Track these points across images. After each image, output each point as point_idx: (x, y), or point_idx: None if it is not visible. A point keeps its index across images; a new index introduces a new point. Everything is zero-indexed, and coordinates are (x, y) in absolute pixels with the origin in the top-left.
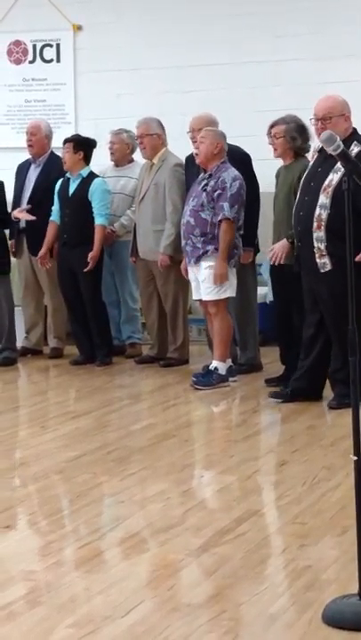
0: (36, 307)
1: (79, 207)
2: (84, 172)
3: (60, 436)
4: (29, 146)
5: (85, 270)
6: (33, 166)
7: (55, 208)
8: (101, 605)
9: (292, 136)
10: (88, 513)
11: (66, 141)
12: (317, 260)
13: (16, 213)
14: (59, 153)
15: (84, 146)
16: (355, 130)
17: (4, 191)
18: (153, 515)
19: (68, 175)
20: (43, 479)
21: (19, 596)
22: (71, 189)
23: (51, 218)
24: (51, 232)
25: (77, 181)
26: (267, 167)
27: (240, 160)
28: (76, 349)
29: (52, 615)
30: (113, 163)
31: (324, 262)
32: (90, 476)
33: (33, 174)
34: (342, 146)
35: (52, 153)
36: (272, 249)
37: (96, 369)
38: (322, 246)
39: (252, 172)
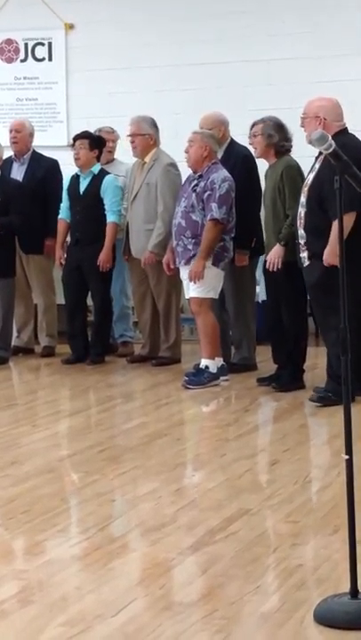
0: (25, 305)
1: (91, 204)
2: (95, 170)
3: (51, 434)
4: (14, 143)
5: (102, 270)
6: (16, 164)
7: (64, 206)
8: (93, 604)
9: (268, 133)
10: (79, 512)
11: (78, 137)
12: (300, 255)
13: None
14: (46, 152)
15: (98, 144)
16: (341, 131)
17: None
18: (144, 513)
19: (77, 172)
20: (34, 478)
21: (10, 594)
22: (82, 187)
23: (60, 216)
24: (62, 230)
25: (88, 179)
26: (259, 167)
27: (241, 162)
28: (67, 348)
29: (43, 614)
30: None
31: (303, 257)
32: (81, 475)
33: (18, 172)
34: (334, 145)
35: (34, 151)
36: (267, 256)
37: (87, 368)
38: (302, 242)
39: (254, 173)
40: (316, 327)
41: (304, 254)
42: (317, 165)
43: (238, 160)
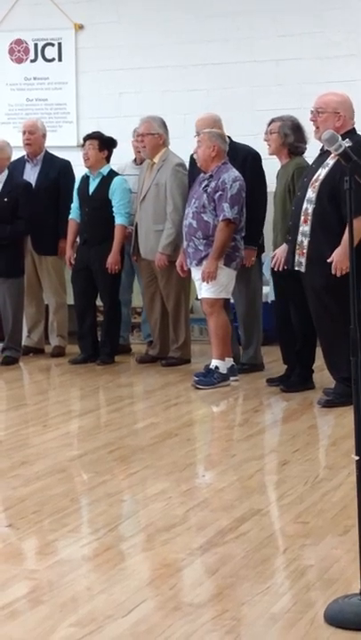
0: (37, 305)
1: (99, 206)
2: (105, 171)
3: (61, 434)
4: (27, 144)
5: (110, 272)
6: (29, 165)
7: (74, 206)
8: (103, 604)
9: (285, 132)
10: (90, 512)
11: (88, 137)
12: (296, 258)
13: None
14: (56, 152)
15: (108, 145)
16: (353, 130)
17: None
18: (155, 514)
19: (87, 173)
20: (45, 478)
21: (21, 594)
22: (91, 188)
23: (70, 216)
24: (72, 230)
25: (97, 180)
26: (268, 166)
27: (252, 160)
28: (77, 348)
29: (54, 614)
30: (133, 160)
31: (300, 261)
32: (92, 475)
33: (31, 173)
34: (344, 145)
35: (46, 152)
36: (274, 254)
37: (97, 368)
38: (305, 241)
39: (262, 171)
40: None
41: (302, 259)
42: (331, 161)
43: (248, 158)
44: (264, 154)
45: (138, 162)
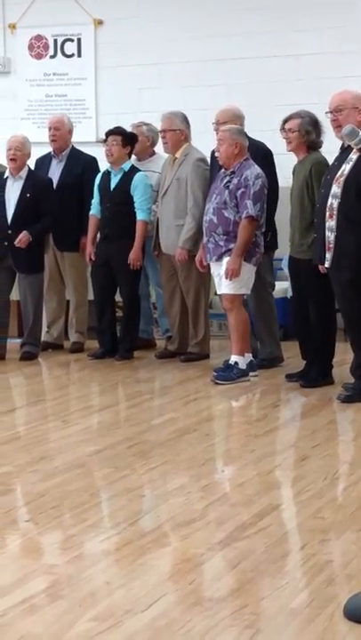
0: (58, 301)
1: (121, 201)
2: (126, 166)
3: (81, 430)
4: (53, 141)
5: (132, 267)
6: (55, 161)
7: (95, 202)
8: (122, 599)
9: (306, 130)
10: (109, 507)
11: (111, 133)
12: (321, 254)
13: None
14: (78, 147)
15: (131, 141)
16: None
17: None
18: (174, 509)
19: (108, 169)
20: (64, 473)
21: (40, 589)
22: (113, 183)
23: (91, 212)
24: (92, 226)
25: (119, 175)
26: (286, 161)
27: (263, 157)
28: (96, 344)
29: (73, 609)
30: (134, 156)
31: (327, 257)
32: (111, 470)
33: (56, 169)
34: None
35: (72, 148)
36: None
37: (116, 363)
38: (331, 237)
39: (274, 168)
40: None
41: (328, 255)
42: (354, 156)
43: (259, 156)
44: (282, 149)
45: (137, 158)
